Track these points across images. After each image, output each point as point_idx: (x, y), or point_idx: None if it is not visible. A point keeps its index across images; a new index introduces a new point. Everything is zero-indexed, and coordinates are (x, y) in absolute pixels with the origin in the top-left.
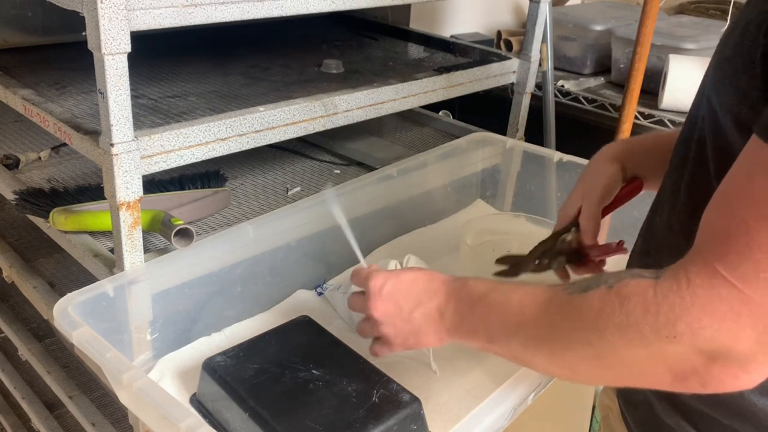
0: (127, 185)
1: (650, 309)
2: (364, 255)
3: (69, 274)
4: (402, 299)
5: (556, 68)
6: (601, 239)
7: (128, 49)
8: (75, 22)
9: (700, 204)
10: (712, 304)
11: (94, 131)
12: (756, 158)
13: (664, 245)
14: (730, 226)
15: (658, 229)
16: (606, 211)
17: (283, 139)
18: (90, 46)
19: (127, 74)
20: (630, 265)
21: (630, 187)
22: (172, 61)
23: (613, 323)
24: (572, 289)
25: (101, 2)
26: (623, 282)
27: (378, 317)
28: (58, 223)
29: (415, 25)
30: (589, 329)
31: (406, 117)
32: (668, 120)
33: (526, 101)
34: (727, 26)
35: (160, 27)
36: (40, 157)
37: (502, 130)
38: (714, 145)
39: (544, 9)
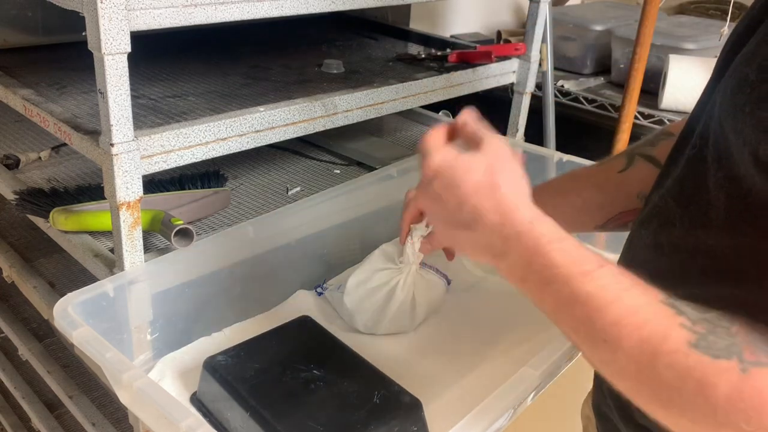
0: (127, 185)
1: None
2: (364, 255)
3: (69, 274)
4: (460, 202)
5: (556, 68)
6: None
7: (128, 49)
8: (75, 22)
9: (698, 228)
10: None
11: (94, 131)
12: None
13: (650, 266)
14: None
15: (643, 245)
16: None
17: (283, 139)
18: (90, 46)
19: (127, 74)
20: None
21: None
22: (172, 61)
23: (739, 426)
24: (695, 339)
25: (101, 2)
26: (762, 372)
27: (428, 209)
28: (58, 223)
29: (415, 25)
30: (706, 413)
31: (406, 117)
32: (668, 120)
33: (526, 101)
34: (742, 24)
35: (160, 27)
36: (40, 157)
37: (502, 130)
38: (723, 174)
39: (544, 9)
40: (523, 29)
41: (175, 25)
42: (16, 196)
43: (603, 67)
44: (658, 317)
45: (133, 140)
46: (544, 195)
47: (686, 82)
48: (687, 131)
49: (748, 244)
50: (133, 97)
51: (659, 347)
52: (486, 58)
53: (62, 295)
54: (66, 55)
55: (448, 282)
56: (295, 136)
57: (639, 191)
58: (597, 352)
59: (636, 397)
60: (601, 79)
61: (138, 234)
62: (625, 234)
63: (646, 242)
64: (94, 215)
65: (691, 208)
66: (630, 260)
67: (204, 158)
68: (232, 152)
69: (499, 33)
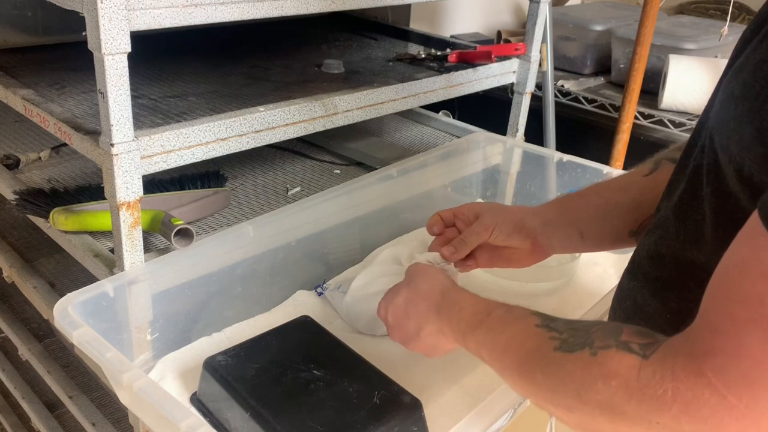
0: (127, 185)
1: (633, 396)
2: (364, 255)
3: (69, 274)
4: (405, 325)
5: (556, 68)
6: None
7: (128, 49)
8: (75, 22)
9: (691, 244)
10: (694, 404)
11: (94, 131)
12: (752, 245)
13: (652, 276)
14: (720, 322)
15: (645, 255)
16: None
17: (283, 139)
18: (90, 46)
19: (127, 74)
20: (621, 281)
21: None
22: (172, 61)
23: (595, 399)
24: (558, 343)
25: (101, 2)
26: (609, 353)
27: (400, 342)
28: (58, 223)
29: (415, 25)
30: (570, 397)
31: (406, 117)
32: (668, 120)
33: (526, 101)
34: (747, 31)
35: (160, 27)
36: (40, 157)
37: (502, 130)
38: (711, 189)
39: (544, 9)
40: (523, 29)
41: (175, 25)
42: (16, 196)
43: (603, 67)
44: (532, 339)
45: (133, 140)
46: (564, 202)
47: (686, 82)
48: (692, 140)
49: None
50: (133, 97)
51: (532, 356)
52: (486, 58)
53: (62, 295)
54: (66, 55)
55: None
56: (295, 136)
57: None
58: (514, 384)
59: (542, 403)
60: (601, 79)
61: (138, 234)
62: None
63: (649, 252)
64: (94, 215)
65: (688, 224)
66: (636, 270)
67: (204, 158)
68: (232, 152)
69: (499, 33)
